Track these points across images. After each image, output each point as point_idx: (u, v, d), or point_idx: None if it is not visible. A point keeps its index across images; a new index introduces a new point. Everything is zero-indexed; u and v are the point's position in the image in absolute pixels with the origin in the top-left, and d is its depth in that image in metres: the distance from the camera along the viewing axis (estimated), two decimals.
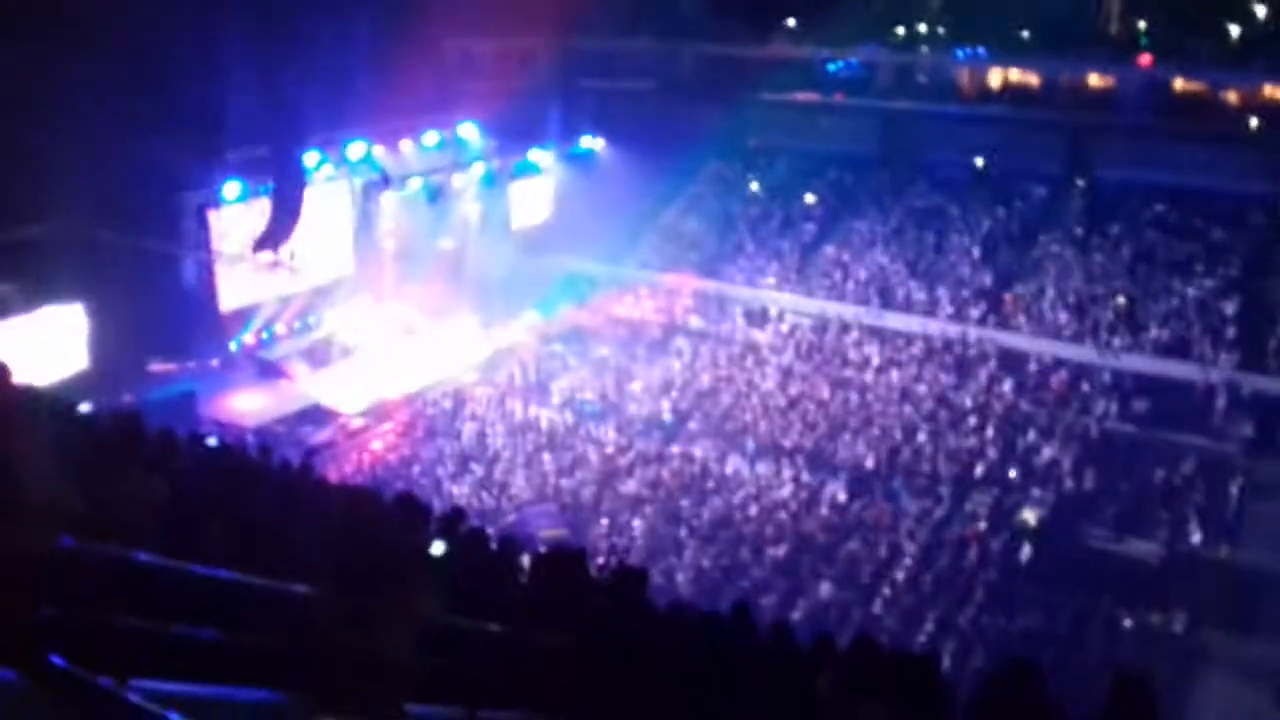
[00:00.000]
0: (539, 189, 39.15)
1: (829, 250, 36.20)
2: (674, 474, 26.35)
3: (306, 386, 30.53)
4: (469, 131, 35.55)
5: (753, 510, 24.68)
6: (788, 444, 27.59)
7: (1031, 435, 27.06)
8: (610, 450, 27.60)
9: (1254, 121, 34.84)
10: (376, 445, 28.49)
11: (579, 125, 40.03)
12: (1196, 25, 38.73)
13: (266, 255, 29.29)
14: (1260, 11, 38.85)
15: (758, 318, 34.40)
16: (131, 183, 24.63)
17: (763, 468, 26.60)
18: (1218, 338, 29.13)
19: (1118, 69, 37.39)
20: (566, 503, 25.12)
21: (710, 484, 25.96)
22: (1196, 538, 22.85)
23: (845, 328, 32.83)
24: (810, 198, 38.73)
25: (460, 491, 25.75)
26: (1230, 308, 29.88)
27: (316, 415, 29.06)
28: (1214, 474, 25.11)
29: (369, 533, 5.26)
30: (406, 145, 34.11)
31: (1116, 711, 4.90)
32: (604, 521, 24.45)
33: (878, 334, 32.30)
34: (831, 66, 42.34)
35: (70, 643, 3.14)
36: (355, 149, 31.85)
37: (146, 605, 3.93)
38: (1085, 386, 28.82)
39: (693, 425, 28.82)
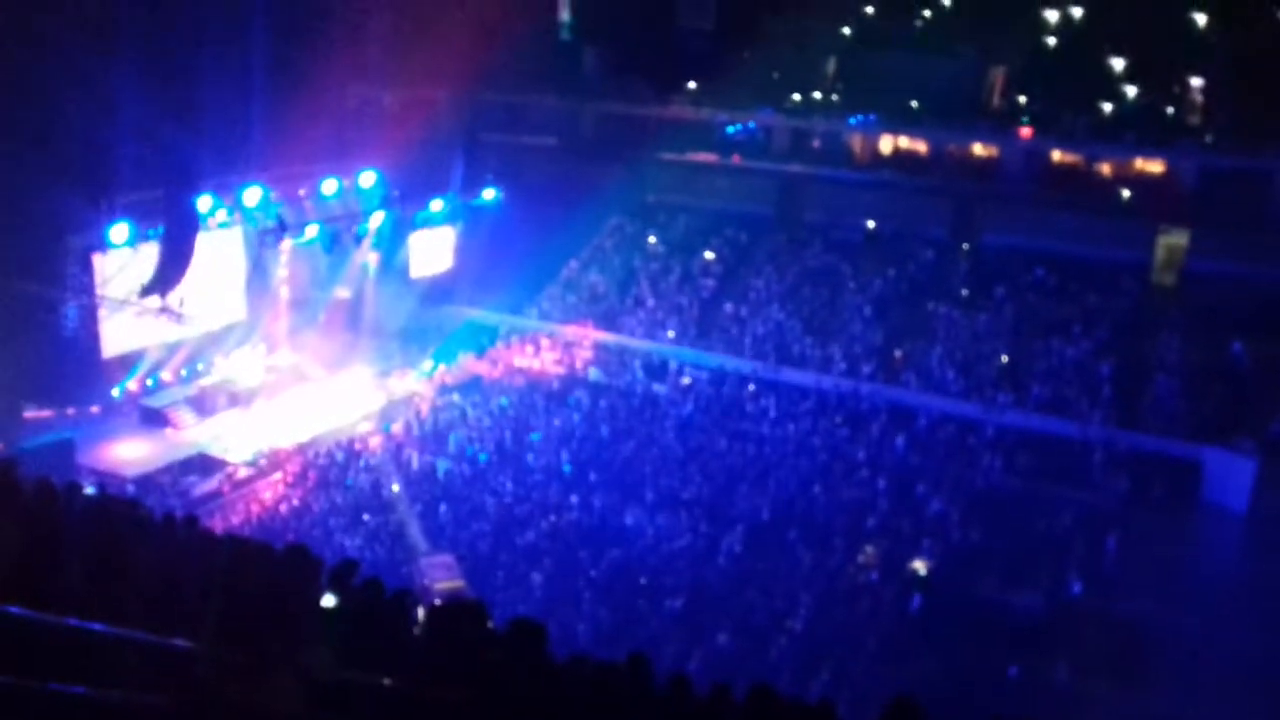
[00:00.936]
0: (439, 239, 38.95)
1: (727, 306, 36.82)
2: (572, 525, 26.19)
3: (192, 435, 29.56)
4: (368, 180, 35.24)
5: (651, 561, 24.65)
6: (686, 495, 27.71)
7: (921, 488, 27.76)
8: (508, 501, 27.32)
9: (1125, 192, 36.87)
10: (266, 495, 27.66)
11: (481, 177, 40.09)
12: (1073, 101, 41.00)
13: (154, 300, 28.37)
14: (1130, 91, 41.35)
15: (657, 370, 34.69)
16: (12, 224, 23.70)
17: (661, 519, 26.63)
18: (1094, 396, 30.47)
19: (1000, 140, 39.25)
20: (463, 554, 24.69)
21: (609, 535, 25.86)
22: (1077, 588, 23.65)
23: (743, 381, 33.33)
24: (709, 254, 39.43)
25: (353, 543, 25.11)
26: (1105, 368, 31.32)
27: (203, 464, 28.15)
28: (1092, 526, 26.11)
29: (257, 585, 5.12)
30: (304, 192, 33.54)
31: None
32: (501, 573, 24.11)
33: (774, 388, 32.86)
34: (729, 129, 43.44)
35: None
36: (251, 194, 31.14)
37: (19, 661, 3.75)
38: (971, 441, 29.75)
39: (592, 476, 28.75)
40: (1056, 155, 38.83)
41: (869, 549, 25.05)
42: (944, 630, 22.19)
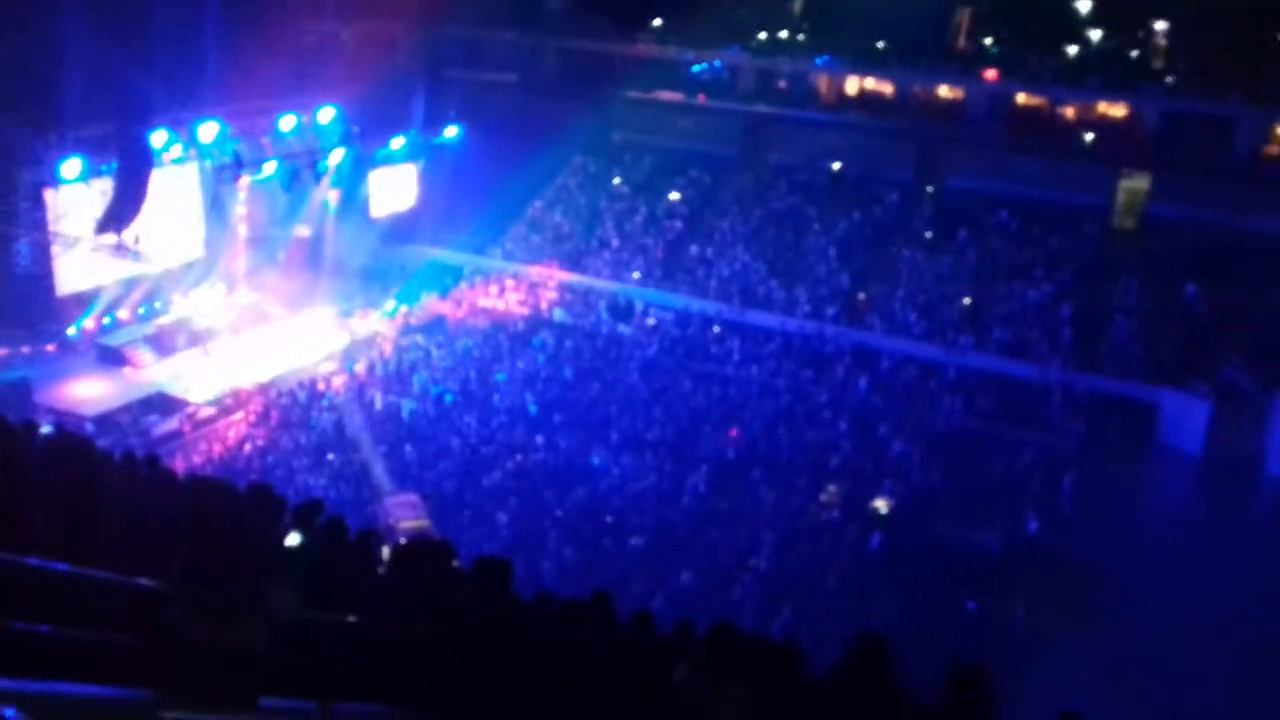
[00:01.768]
0: (401, 177, 38.38)
1: (692, 248, 36.73)
2: (538, 465, 26.29)
3: (151, 374, 29.20)
4: (328, 116, 34.51)
5: (616, 501, 24.85)
6: (650, 436, 27.88)
7: (883, 429, 28.10)
8: (473, 441, 27.34)
9: (1088, 136, 37.00)
10: (229, 435, 27.47)
11: (443, 115, 39.42)
12: (1038, 44, 40.87)
13: (109, 237, 27.80)
14: (1095, 35, 41.28)
15: (622, 311, 34.64)
16: None
17: (626, 459, 26.80)
18: (1054, 339, 30.86)
19: (966, 82, 39.14)
20: (428, 494, 24.74)
21: (574, 475, 26.01)
22: (1034, 527, 24.16)
23: (707, 323, 33.39)
24: (674, 195, 39.21)
25: (317, 483, 25.06)
26: (1065, 311, 31.69)
27: (162, 404, 27.85)
28: (1050, 467, 26.62)
29: (221, 525, 5.10)
30: (262, 128, 32.82)
31: (956, 701, 5.16)
32: (467, 513, 24.21)
33: (739, 330, 32.97)
34: (695, 68, 42.95)
35: None
36: (207, 130, 30.35)
37: None
38: (933, 383, 30.10)
39: (557, 417, 28.81)
40: (1021, 98, 38.81)
41: (831, 488, 25.39)
42: (904, 568, 22.63)
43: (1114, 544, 23.70)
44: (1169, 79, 38.40)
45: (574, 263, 36.88)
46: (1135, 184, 35.83)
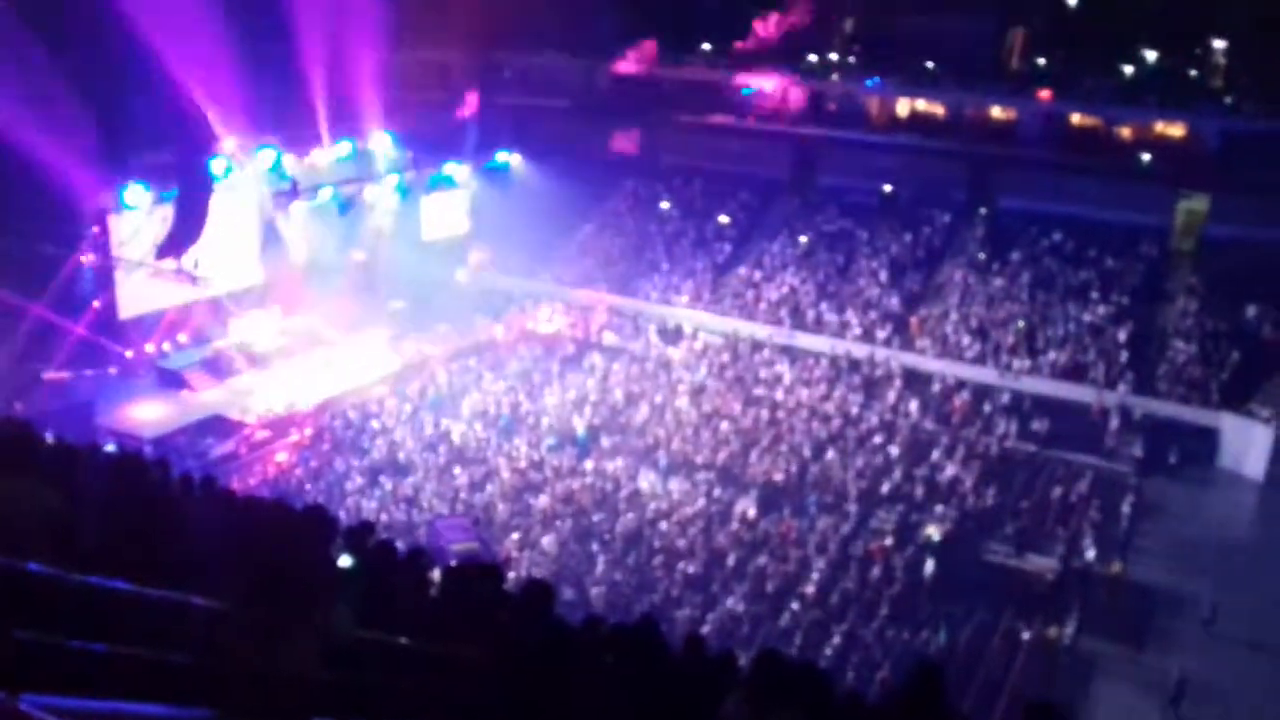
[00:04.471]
0: (454, 202, 38.84)
1: (741, 270, 36.67)
2: (587, 489, 26.31)
3: (209, 397, 29.72)
4: (382, 143, 35.12)
5: (664, 526, 24.76)
6: (700, 460, 27.79)
7: (935, 454, 27.73)
8: (523, 465, 27.44)
9: (1145, 156, 36.41)
10: (282, 457, 27.84)
11: (494, 140, 39.88)
12: (1093, 64, 40.39)
13: (169, 263, 28.47)
14: (1151, 53, 40.74)
15: (671, 335, 34.65)
16: (29, 187, 23.76)
17: (675, 483, 26.73)
18: (1111, 362, 30.30)
19: (1019, 102, 38.75)
20: (478, 517, 24.87)
21: (623, 499, 25.98)
22: (1091, 554, 23.66)
23: (757, 346, 33.26)
24: (724, 218, 39.22)
25: (369, 505, 25.32)
26: (1123, 334, 31.11)
27: (219, 426, 28.30)
28: (1107, 492, 26.09)
29: (275, 546, 5.17)
30: (318, 155, 33.51)
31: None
32: (516, 536, 24.29)
33: (788, 353, 32.79)
34: (744, 91, 43.01)
35: None
36: (264, 157, 31.20)
37: (40, 618, 3.79)
38: (987, 407, 29.68)
39: (606, 441, 28.83)
40: (1076, 118, 38.32)
41: (883, 514, 25.11)
42: (957, 595, 22.28)
43: (1174, 569, 23.15)
44: (1227, 98, 37.74)
45: (623, 286, 36.99)
46: (1194, 204, 35.15)
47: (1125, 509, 25.53)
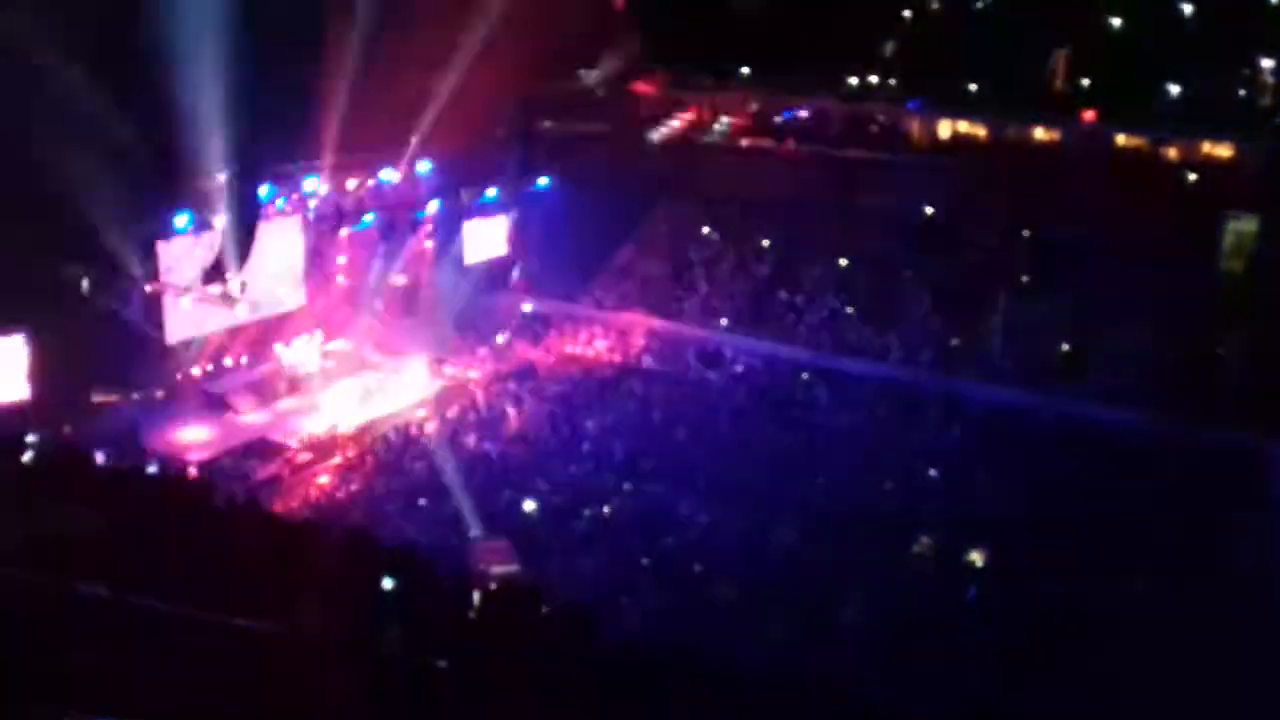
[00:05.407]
0: (494, 227, 39.17)
1: (781, 293, 36.57)
2: (626, 512, 26.24)
3: (253, 420, 30.08)
4: (424, 168, 35.54)
5: (703, 549, 24.62)
6: (739, 484, 27.62)
7: (978, 478, 27.37)
8: (562, 487, 27.42)
9: (1192, 177, 35.92)
10: (324, 480, 28.07)
11: (535, 165, 40.21)
12: (1137, 85, 39.93)
13: (216, 287, 28.92)
14: (1197, 74, 40.18)
15: (710, 358, 34.59)
16: (78, 212, 24.27)
17: (714, 507, 26.59)
18: (1158, 386, 29.77)
19: (1062, 124, 38.40)
20: (518, 540, 24.85)
21: (662, 523, 25.88)
22: (1139, 583, 23.15)
23: (797, 369, 33.11)
24: (764, 242, 39.17)
25: (411, 527, 25.42)
26: (1170, 358, 30.61)
27: (263, 449, 28.61)
28: (1156, 518, 25.54)
29: (319, 568, 5.21)
30: (361, 180, 33.98)
31: None
32: (555, 559, 24.24)
33: (828, 376, 32.60)
34: (784, 114, 42.99)
35: (8, 673, 3.06)
36: (309, 183, 31.71)
37: (86, 637, 3.84)
38: (1030, 431, 29.27)
39: (644, 464, 28.77)
40: (1121, 139, 37.93)
41: (924, 539, 24.79)
42: (1001, 623, 21.91)
43: (1229, 597, 22.60)
44: (1277, 119, 37.14)
45: (662, 309, 37.03)
46: (1243, 226, 34.59)
47: (1175, 538, 24.96)
